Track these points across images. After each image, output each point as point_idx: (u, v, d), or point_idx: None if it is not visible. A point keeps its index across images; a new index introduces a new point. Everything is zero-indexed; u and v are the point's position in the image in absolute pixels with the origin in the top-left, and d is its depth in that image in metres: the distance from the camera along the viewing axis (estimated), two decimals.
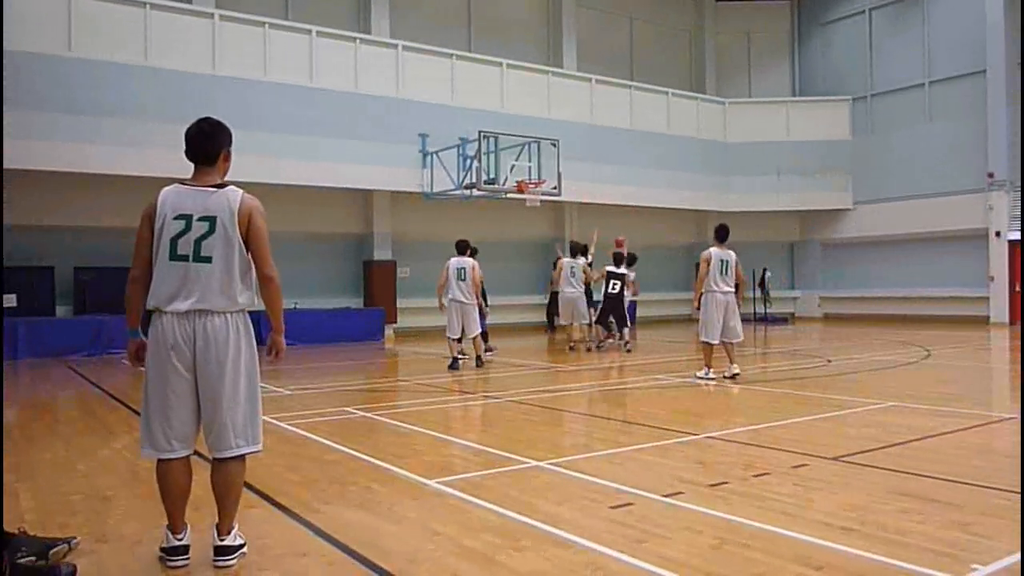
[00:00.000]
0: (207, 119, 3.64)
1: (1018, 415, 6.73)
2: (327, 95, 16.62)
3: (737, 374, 9.49)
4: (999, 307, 20.08)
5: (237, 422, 3.48)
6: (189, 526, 3.55)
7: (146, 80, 14.56)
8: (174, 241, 3.43)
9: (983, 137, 20.50)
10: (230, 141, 3.66)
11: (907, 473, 4.82)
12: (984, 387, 9.84)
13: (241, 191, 3.54)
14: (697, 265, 9.98)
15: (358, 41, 17.38)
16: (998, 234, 20.17)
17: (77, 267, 15.50)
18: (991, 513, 3.98)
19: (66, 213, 15.43)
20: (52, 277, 15.28)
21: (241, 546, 3.55)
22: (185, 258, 3.43)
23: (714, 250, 9.59)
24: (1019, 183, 19.86)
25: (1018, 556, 3.30)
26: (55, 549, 3.42)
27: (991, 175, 20.25)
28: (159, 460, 3.49)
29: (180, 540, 3.48)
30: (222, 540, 3.48)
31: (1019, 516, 3.87)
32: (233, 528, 3.54)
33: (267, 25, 16.15)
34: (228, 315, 3.48)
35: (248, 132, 15.43)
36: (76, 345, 14.23)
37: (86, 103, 14.00)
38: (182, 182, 3.55)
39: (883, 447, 5.59)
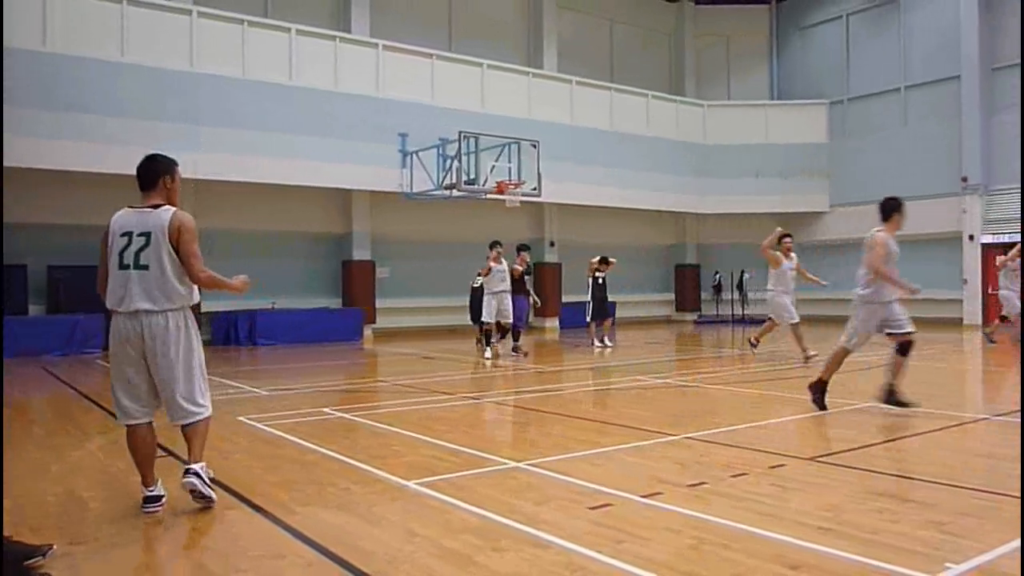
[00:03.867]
0: (149, 156, 4.41)
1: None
2: (306, 93, 16.53)
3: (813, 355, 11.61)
4: (972, 309, 20.37)
5: (182, 398, 4.27)
6: (160, 480, 4.30)
7: (123, 77, 14.37)
8: (121, 254, 4.19)
9: (957, 141, 20.79)
10: (169, 170, 4.38)
11: (882, 473, 4.87)
12: (958, 388, 9.97)
13: (173, 210, 4.25)
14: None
15: (338, 40, 17.31)
16: (971, 237, 20.46)
17: (51, 265, 15.25)
18: (965, 512, 4.03)
19: (40, 210, 15.15)
20: (25, 275, 14.99)
21: (210, 480, 4.28)
22: (128, 267, 4.17)
23: (785, 262, 12.04)
24: (992, 187, 20.16)
25: (991, 555, 3.35)
26: (30, 561, 3.34)
27: (965, 179, 20.54)
28: (127, 426, 4.27)
29: (151, 491, 4.25)
30: (189, 464, 4.23)
31: (994, 515, 3.93)
32: (203, 463, 4.27)
33: (246, 23, 16.03)
34: (167, 313, 4.20)
35: (226, 130, 15.36)
36: (50, 345, 14.03)
37: (62, 99, 13.80)
38: (130, 206, 4.29)
39: (859, 447, 5.65)
